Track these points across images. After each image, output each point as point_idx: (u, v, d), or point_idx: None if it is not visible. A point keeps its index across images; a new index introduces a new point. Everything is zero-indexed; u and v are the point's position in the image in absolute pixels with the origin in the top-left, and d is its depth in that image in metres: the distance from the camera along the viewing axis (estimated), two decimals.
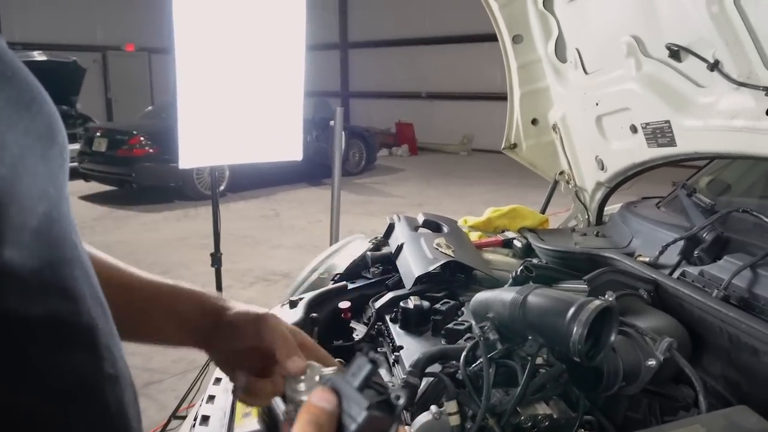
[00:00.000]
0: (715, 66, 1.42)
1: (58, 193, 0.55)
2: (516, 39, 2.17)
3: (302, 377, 0.70)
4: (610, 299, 0.99)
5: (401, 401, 0.47)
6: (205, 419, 1.14)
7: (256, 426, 1.02)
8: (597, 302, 0.95)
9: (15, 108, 0.51)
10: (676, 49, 1.54)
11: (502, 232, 2.07)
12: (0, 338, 0.46)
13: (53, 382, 0.50)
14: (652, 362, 1.00)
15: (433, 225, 1.90)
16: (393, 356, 1.34)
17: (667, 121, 1.61)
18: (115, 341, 0.59)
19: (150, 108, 10.72)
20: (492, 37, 2.21)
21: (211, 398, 1.21)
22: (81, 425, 0.53)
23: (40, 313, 0.49)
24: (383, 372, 1.29)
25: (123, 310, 0.67)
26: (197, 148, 2.91)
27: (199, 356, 3.60)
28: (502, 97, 2.29)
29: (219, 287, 3.20)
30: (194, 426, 1.15)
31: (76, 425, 0.52)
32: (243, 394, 0.79)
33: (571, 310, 0.95)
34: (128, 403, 0.59)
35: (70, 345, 0.52)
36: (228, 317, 0.80)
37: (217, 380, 1.29)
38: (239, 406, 1.12)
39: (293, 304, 1.48)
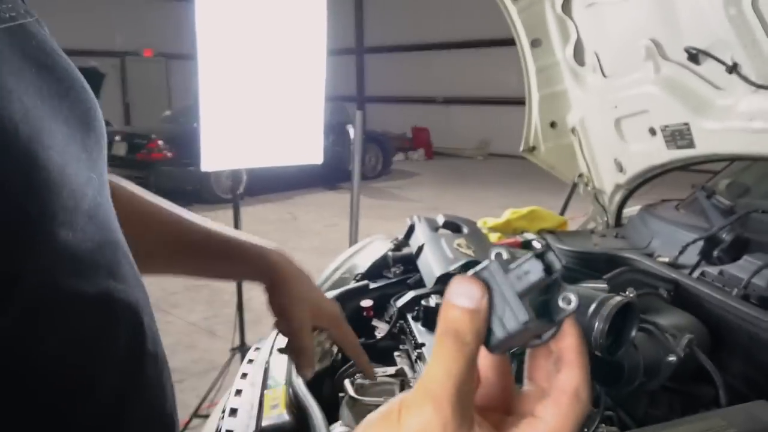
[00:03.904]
0: (733, 68, 1.43)
1: (99, 180, 0.57)
2: (534, 43, 2.19)
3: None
4: (631, 295, 1.01)
5: (571, 305, 0.36)
6: (234, 411, 1.17)
7: (285, 417, 1.05)
8: (618, 298, 0.97)
9: (56, 97, 0.53)
10: (694, 52, 1.56)
11: (521, 233, 2.09)
12: (56, 314, 0.48)
13: (103, 356, 0.53)
14: (672, 358, 1.02)
15: (453, 226, 1.93)
16: (415, 353, 1.37)
17: (686, 124, 1.63)
18: (153, 321, 0.62)
19: (168, 112, 10.85)
20: (508, 42, 2.24)
21: (239, 392, 1.25)
22: (127, 399, 0.55)
23: (93, 292, 0.52)
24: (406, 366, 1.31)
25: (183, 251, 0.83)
26: (219, 151, 2.96)
27: (219, 356, 3.64)
28: (518, 101, 2.31)
29: (239, 288, 3.24)
30: (223, 418, 1.18)
31: (123, 399, 0.55)
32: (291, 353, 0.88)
33: (593, 306, 0.97)
34: (166, 380, 0.63)
35: (117, 322, 0.55)
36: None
37: (244, 375, 1.33)
38: (267, 398, 1.15)
39: None
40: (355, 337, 0.95)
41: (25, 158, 0.46)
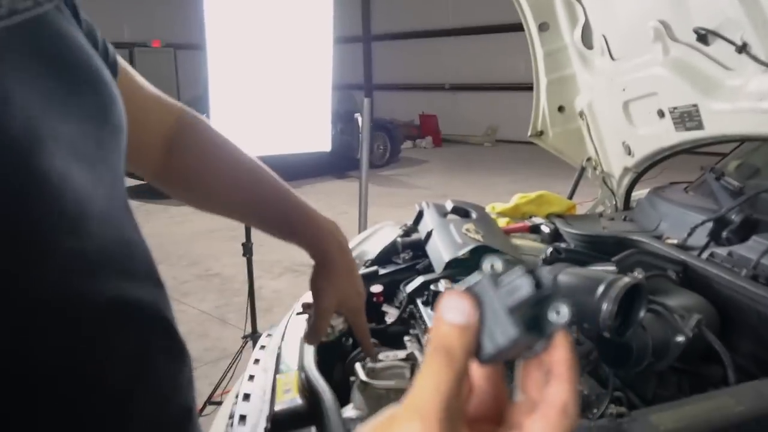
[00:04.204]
0: (743, 48, 1.43)
1: (113, 175, 0.57)
2: (542, 27, 2.18)
3: None
4: (640, 277, 1.01)
5: (562, 319, 0.36)
6: (247, 396, 1.19)
7: (298, 401, 1.07)
8: (626, 279, 0.98)
9: (68, 94, 0.53)
10: (703, 32, 1.55)
11: (530, 218, 2.09)
12: (60, 317, 0.49)
13: (111, 352, 0.54)
14: (680, 338, 1.03)
15: (461, 211, 1.93)
16: (425, 337, 1.38)
17: (695, 105, 1.62)
18: (168, 313, 0.63)
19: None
20: (515, 27, 2.23)
21: (252, 377, 1.26)
22: (136, 392, 0.56)
23: (101, 294, 0.52)
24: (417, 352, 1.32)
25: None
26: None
27: (231, 345, 3.67)
28: (526, 87, 2.32)
29: (250, 276, 3.26)
30: (236, 403, 1.20)
31: (131, 392, 0.55)
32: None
33: (601, 287, 0.97)
34: (179, 372, 0.63)
35: (127, 320, 0.55)
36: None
37: (256, 361, 1.34)
38: (279, 383, 1.17)
39: None
40: (366, 325, 1.04)
41: (22, 170, 0.45)
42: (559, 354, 0.37)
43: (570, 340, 0.37)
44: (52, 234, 0.47)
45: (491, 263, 0.37)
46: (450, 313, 0.36)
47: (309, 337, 1.00)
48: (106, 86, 0.58)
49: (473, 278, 0.37)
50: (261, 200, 0.94)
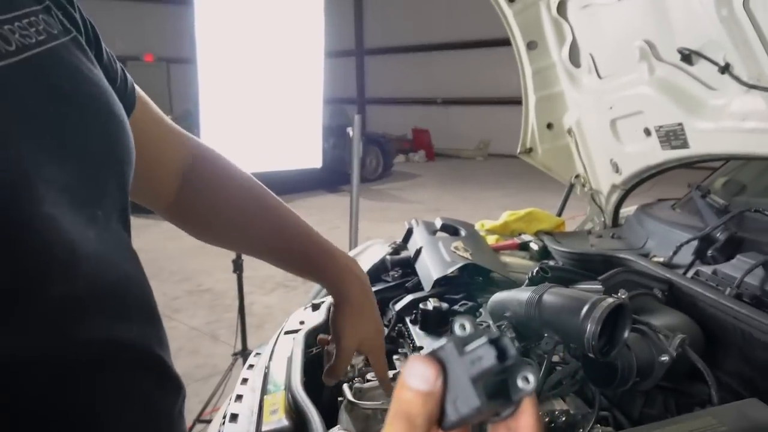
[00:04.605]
0: (725, 69, 1.45)
1: (107, 214, 0.57)
2: (530, 45, 2.20)
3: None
4: (623, 297, 1.02)
5: (529, 386, 0.36)
6: (234, 417, 1.19)
7: (284, 422, 1.06)
8: (610, 300, 0.99)
9: (71, 127, 0.53)
10: (687, 52, 1.57)
11: (519, 235, 2.10)
12: (59, 367, 0.49)
13: (110, 396, 0.54)
14: (665, 358, 1.03)
15: (450, 229, 1.94)
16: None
17: (680, 124, 1.64)
18: (165, 351, 0.63)
19: (169, 117, 10.87)
20: (507, 42, 2.25)
21: (239, 397, 1.26)
22: (131, 429, 0.56)
23: (98, 336, 0.52)
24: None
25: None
26: None
27: (221, 361, 3.64)
28: (518, 101, 2.33)
29: (241, 293, 3.25)
30: (224, 423, 1.19)
31: (126, 429, 0.56)
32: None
33: (585, 308, 0.98)
34: (176, 407, 0.64)
35: (123, 362, 0.56)
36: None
37: (244, 380, 1.34)
38: (266, 403, 1.16)
39: (315, 307, 1.53)
40: (386, 364, 1.04)
41: (11, 221, 0.45)
42: (526, 420, 0.37)
43: (536, 406, 0.37)
44: (41, 283, 0.47)
45: (462, 323, 0.37)
46: (414, 380, 0.35)
47: (328, 377, 0.99)
48: (114, 120, 0.59)
49: (441, 342, 0.37)
50: (280, 238, 0.92)
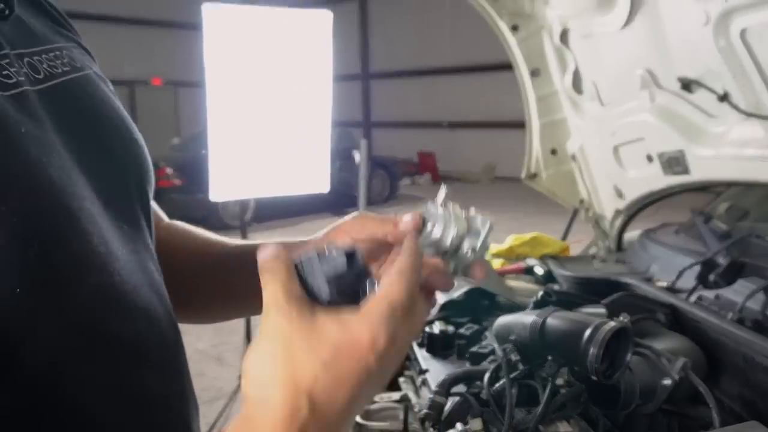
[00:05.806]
0: (724, 97, 1.48)
1: (133, 228, 0.60)
2: (534, 73, 2.24)
3: None
4: (625, 320, 1.05)
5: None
6: None
7: None
8: (612, 323, 1.01)
9: (95, 153, 0.56)
10: (687, 81, 1.61)
11: (524, 259, 2.12)
12: (101, 356, 0.51)
13: (135, 395, 0.55)
14: (667, 381, 1.05)
15: None
16: (420, 378, 1.40)
17: (681, 151, 1.67)
18: (183, 358, 0.65)
19: (176, 140, 10.95)
20: (512, 66, 2.29)
21: None
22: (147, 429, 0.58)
23: (134, 335, 0.55)
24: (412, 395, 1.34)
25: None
26: (227, 182, 3.01)
27: (227, 384, 3.64)
28: (523, 125, 2.36)
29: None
30: None
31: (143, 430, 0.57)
32: None
33: (588, 331, 1.00)
34: (192, 417, 0.66)
35: (150, 361, 0.57)
36: None
37: None
38: None
39: None
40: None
41: (62, 210, 0.49)
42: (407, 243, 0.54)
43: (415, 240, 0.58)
44: (82, 270, 0.50)
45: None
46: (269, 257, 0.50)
47: None
48: (134, 142, 0.63)
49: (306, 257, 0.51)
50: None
